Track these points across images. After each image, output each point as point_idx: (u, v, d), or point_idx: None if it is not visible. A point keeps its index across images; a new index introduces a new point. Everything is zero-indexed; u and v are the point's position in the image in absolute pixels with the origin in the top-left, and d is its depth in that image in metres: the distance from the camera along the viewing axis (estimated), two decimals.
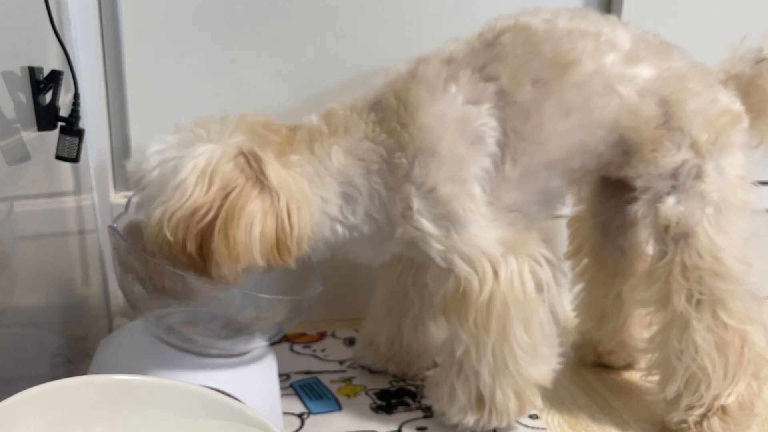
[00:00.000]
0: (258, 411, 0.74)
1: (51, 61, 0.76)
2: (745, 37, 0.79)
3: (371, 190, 0.73)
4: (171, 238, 0.65)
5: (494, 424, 0.78)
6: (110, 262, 0.96)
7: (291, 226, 0.68)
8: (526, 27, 0.74)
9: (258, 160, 0.67)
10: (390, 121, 0.72)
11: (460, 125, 0.72)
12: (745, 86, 0.78)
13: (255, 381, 0.79)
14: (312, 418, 0.82)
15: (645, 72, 0.74)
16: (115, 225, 0.74)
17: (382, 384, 0.90)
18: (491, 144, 0.72)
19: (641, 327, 0.94)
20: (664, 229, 0.76)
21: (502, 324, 0.73)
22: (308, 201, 0.70)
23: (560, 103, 0.72)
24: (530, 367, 0.76)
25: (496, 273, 0.72)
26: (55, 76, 0.70)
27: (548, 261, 0.76)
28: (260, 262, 0.68)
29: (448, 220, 0.72)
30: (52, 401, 0.53)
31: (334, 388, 0.89)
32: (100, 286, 0.97)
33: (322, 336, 1.03)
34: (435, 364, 0.91)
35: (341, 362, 0.96)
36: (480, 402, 0.77)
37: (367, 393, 0.88)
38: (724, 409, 0.77)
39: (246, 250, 0.66)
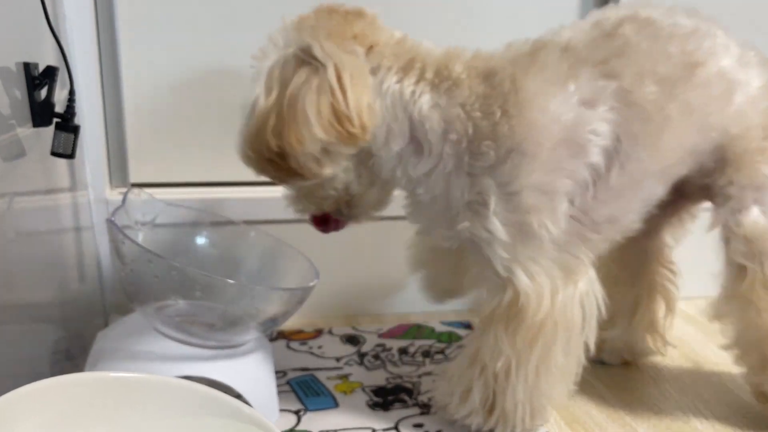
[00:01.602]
0: (254, 401, 0.75)
1: (47, 57, 0.75)
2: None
3: (440, 156, 0.68)
4: (252, 154, 0.67)
5: (498, 431, 0.77)
6: (106, 258, 0.96)
7: (343, 92, 0.64)
8: (650, 20, 0.70)
9: (307, 49, 0.66)
10: (493, 103, 0.66)
11: (568, 131, 0.67)
12: None
13: (251, 372, 0.79)
14: (308, 414, 0.82)
15: (755, 80, 0.72)
16: (113, 219, 0.75)
17: (379, 381, 0.90)
18: (596, 153, 0.68)
19: (651, 329, 0.95)
20: (744, 241, 0.74)
21: (547, 345, 0.71)
22: (364, 75, 0.67)
23: (684, 106, 0.69)
24: (558, 386, 0.75)
25: (553, 295, 0.70)
26: (50, 72, 0.70)
27: (596, 296, 0.74)
28: (325, 137, 0.65)
29: (519, 229, 0.68)
30: (49, 398, 0.52)
31: (330, 385, 0.89)
32: (96, 282, 0.97)
33: (318, 333, 1.03)
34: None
35: (338, 359, 0.96)
36: (492, 409, 0.75)
37: (363, 390, 0.88)
38: None
39: (309, 132, 0.64)
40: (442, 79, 0.68)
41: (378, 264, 1.07)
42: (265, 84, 0.67)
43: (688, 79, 0.69)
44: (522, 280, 0.69)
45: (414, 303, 1.08)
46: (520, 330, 0.70)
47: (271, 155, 0.66)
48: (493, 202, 0.67)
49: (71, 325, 0.87)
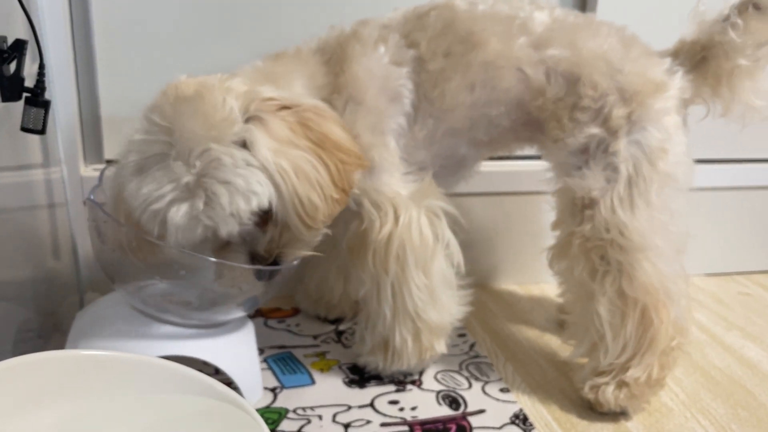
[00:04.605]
0: (237, 379, 0.75)
1: (16, 30, 0.74)
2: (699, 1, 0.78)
3: None
4: (323, 203, 0.70)
5: (395, 367, 0.84)
6: (80, 235, 0.95)
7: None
8: (451, 6, 0.80)
9: (265, 109, 0.68)
10: (333, 65, 0.79)
11: (383, 81, 0.78)
12: (699, 53, 0.78)
13: (234, 350, 0.79)
14: (285, 392, 0.82)
15: (555, 53, 0.77)
16: (92, 197, 0.74)
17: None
18: (407, 104, 0.79)
19: None
20: (571, 201, 0.78)
21: (400, 265, 0.78)
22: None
23: (466, 78, 0.78)
24: (429, 309, 0.81)
25: (396, 217, 0.78)
26: (19, 46, 0.68)
27: (447, 214, 0.81)
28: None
29: None
30: (18, 377, 0.52)
31: (307, 362, 0.89)
32: (71, 259, 0.96)
33: (296, 311, 1.03)
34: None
35: (315, 337, 0.96)
36: (385, 345, 0.83)
37: (340, 367, 0.88)
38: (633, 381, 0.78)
39: (353, 145, 0.73)
40: (288, 65, 0.78)
41: None
42: (271, 164, 0.67)
43: (468, 55, 0.78)
44: (367, 208, 0.78)
45: None
46: (369, 252, 0.78)
47: (346, 187, 0.72)
48: None
49: (45, 303, 0.87)
